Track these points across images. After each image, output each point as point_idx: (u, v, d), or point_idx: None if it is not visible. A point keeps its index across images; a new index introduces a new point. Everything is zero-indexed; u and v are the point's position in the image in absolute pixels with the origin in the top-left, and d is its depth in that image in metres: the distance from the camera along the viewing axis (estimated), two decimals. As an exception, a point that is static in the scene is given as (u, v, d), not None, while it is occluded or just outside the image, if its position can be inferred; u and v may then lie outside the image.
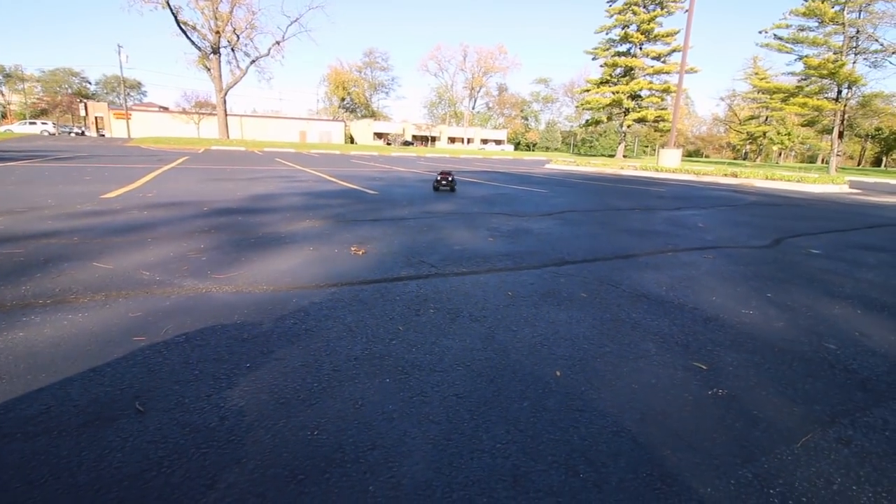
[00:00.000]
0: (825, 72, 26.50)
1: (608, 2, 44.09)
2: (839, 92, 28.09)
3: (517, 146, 72.74)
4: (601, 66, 46.79)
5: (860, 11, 26.72)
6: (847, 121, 31.71)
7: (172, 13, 30.91)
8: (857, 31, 27.53)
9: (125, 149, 18.20)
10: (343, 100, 71.92)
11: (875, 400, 1.41)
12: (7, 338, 1.57)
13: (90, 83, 73.22)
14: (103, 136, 45.75)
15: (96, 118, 50.23)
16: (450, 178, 7.14)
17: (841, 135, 29.37)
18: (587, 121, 52.00)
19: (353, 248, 3.02)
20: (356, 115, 72.15)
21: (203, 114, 46.16)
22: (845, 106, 28.59)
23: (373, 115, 72.03)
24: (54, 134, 41.03)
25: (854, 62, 28.13)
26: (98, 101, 57.54)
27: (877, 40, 27.37)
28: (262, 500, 0.93)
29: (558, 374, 1.49)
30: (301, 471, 1.02)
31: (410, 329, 1.79)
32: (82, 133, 47.86)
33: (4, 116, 59.79)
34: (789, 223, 5.28)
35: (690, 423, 1.24)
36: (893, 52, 26.88)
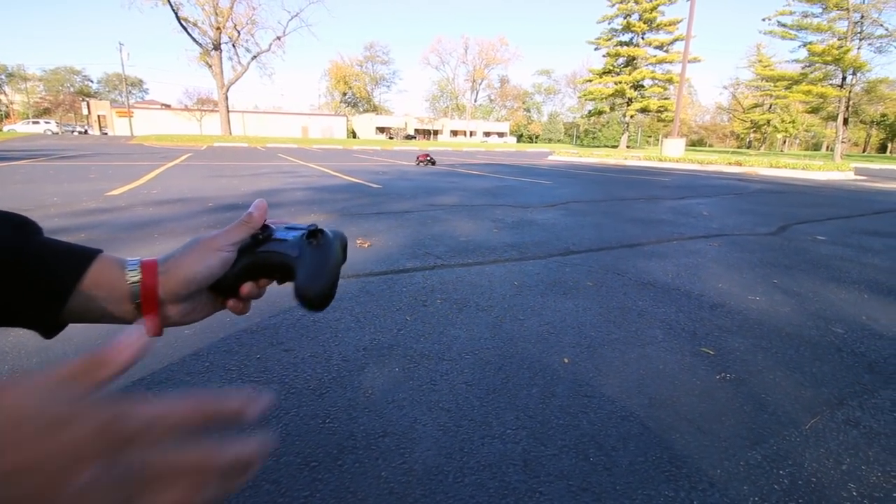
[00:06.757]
0: (829, 58, 26.23)
1: (609, -10, 43.65)
2: (844, 78, 27.81)
3: (520, 138, 72.48)
4: (603, 55, 46.52)
5: (865, -4, 26.38)
6: (852, 107, 31.37)
7: (173, 9, 30.88)
8: (862, 17, 27.19)
9: (128, 147, 18.24)
10: (345, 94, 71.79)
11: (883, 382, 1.42)
12: (20, 332, 1.59)
13: (92, 81, 73.41)
14: (106, 134, 45.90)
15: (99, 116, 50.38)
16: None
17: (846, 121, 29.11)
18: (590, 111, 51.72)
19: (358, 241, 3.03)
20: (358, 109, 72.03)
21: (205, 110, 46.20)
22: (850, 92, 28.29)
23: (375, 109, 71.89)
24: (57, 133, 41.20)
25: (859, 48, 27.81)
26: (100, 100, 57.68)
27: (882, 25, 27.04)
28: (277, 487, 0.95)
29: (566, 361, 1.49)
30: (314, 458, 1.03)
31: (418, 319, 1.80)
32: (85, 132, 48.02)
33: (8, 116, 60.01)
34: (794, 210, 5.25)
35: (699, 407, 1.25)
36: (900, 37, 26.52)
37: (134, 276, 0.39)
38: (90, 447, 0.22)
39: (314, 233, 0.44)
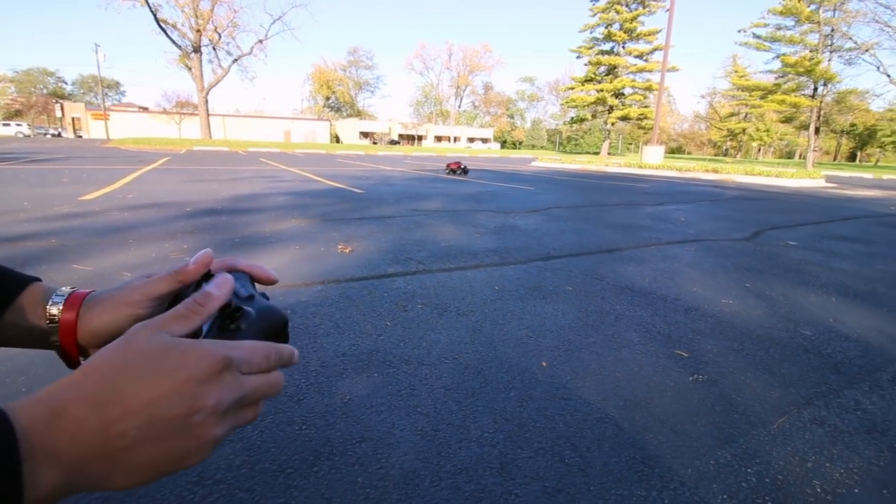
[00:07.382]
0: (802, 69, 27.11)
1: (592, 0, 44.47)
2: (815, 89, 28.76)
3: (503, 144, 73.07)
4: (585, 64, 47.23)
5: (835, 10, 27.39)
6: (823, 117, 32.50)
7: (151, 11, 30.34)
8: (832, 30, 28.22)
9: (103, 150, 17.82)
10: (328, 99, 71.46)
11: (848, 382, 1.47)
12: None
13: (66, 83, 71.66)
14: (81, 137, 44.77)
15: (73, 119, 49.12)
16: None
17: (817, 131, 30.08)
18: (572, 118, 52.41)
19: (339, 246, 3.01)
20: (341, 114, 71.75)
21: (184, 114, 45.46)
22: (821, 102, 29.28)
23: (358, 114, 71.70)
24: (29, 135, 40.07)
25: (829, 60, 28.83)
26: (75, 102, 56.29)
27: (850, 38, 28.09)
28: (252, 495, 0.94)
29: (544, 364, 1.51)
30: (289, 465, 1.02)
31: (398, 324, 1.80)
32: (59, 134, 46.78)
33: (-23, 118, 58.03)
34: (768, 216, 5.40)
35: (672, 409, 1.28)
36: (866, 50, 27.60)
37: (54, 312, 0.37)
38: (212, 374, 0.28)
39: (232, 314, 0.35)
